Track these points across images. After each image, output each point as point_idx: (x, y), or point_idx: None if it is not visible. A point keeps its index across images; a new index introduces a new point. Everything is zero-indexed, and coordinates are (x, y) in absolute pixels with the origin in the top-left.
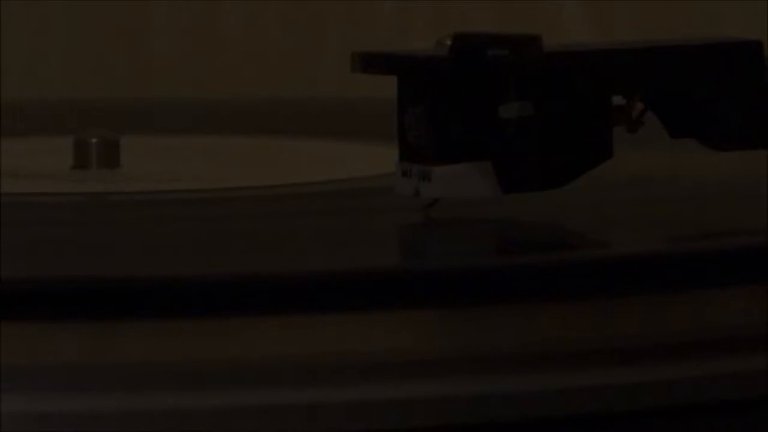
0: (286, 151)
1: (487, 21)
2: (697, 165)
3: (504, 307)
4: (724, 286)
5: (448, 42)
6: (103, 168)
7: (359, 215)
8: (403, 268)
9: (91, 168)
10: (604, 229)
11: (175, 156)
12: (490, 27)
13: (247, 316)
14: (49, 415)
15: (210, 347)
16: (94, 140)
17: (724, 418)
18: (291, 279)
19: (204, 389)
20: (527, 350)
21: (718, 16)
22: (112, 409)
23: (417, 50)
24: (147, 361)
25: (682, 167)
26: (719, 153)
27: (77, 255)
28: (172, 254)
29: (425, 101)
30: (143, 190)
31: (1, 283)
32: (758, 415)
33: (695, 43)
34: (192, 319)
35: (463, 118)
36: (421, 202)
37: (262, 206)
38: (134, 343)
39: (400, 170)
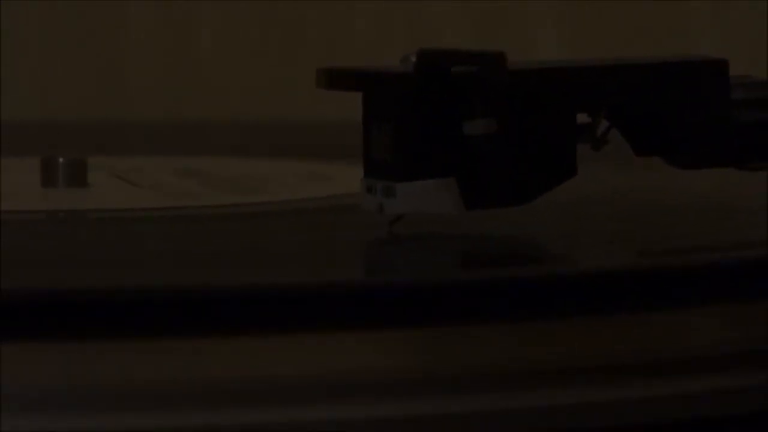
0: (253, 170)
1: (460, 37)
2: (663, 182)
3: (470, 325)
4: (701, 304)
5: (413, 58)
6: (70, 188)
7: (325, 232)
8: (367, 284)
9: (59, 187)
10: (572, 244)
11: (142, 176)
12: (462, 43)
13: (215, 334)
14: None
15: (179, 366)
16: (61, 160)
17: None
18: (251, 295)
19: (176, 409)
20: (494, 368)
21: (688, 33)
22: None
23: (382, 66)
24: (118, 379)
25: (646, 184)
26: (685, 170)
27: (49, 272)
28: (143, 271)
29: (390, 117)
30: (111, 208)
31: None
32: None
33: (661, 61)
34: (162, 338)
35: (428, 135)
36: (388, 217)
37: (229, 224)
38: (104, 361)
39: (365, 186)
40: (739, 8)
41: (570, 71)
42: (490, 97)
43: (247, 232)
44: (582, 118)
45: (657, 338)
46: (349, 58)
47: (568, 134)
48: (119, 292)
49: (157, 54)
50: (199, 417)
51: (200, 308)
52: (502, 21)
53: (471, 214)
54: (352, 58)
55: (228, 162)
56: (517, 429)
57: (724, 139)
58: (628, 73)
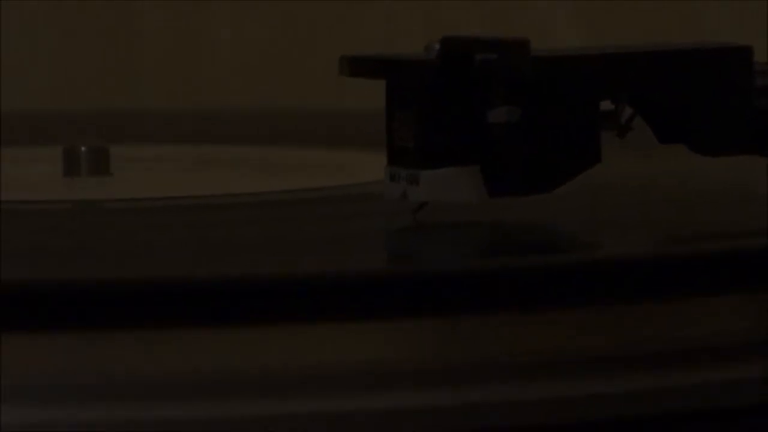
0: (275, 158)
1: (479, 25)
2: (687, 169)
3: (494, 313)
4: (716, 292)
5: (437, 46)
6: (93, 176)
7: (348, 221)
8: (391, 272)
9: (81, 176)
10: (596, 233)
11: (164, 164)
12: (482, 31)
13: (234, 324)
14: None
15: (202, 355)
16: (83, 149)
17: (716, 426)
18: (271, 284)
19: (195, 399)
20: (516, 357)
21: (710, 20)
22: (104, 419)
23: (405, 54)
24: (139, 369)
25: (671, 171)
26: (709, 158)
27: (71, 261)
28: (166, 260)
29: (413, 105)
30: (135, 197)
31: None
32: (751, 424)
33: (684, 48)
34: (188, 327)
35: (451, 123)
36: (411, 205)
37: (248, 213)
38: (126, 350)
39: (388, 174)
40: None
41: (594, 58)
42: (514, 84)
43: (269, 220)
44: (606, 105)
45: (672, 327)
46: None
47: (591, 121)
48: (141, 283)
49: (176, 43)
50: (221, 407)
51: (222, 298)
52: (521, 10)
53: (494, 202)
54: (367, 49)
55: (248, 150)
56: (531, 419)
57: (748, 126)
58: (651, 60)
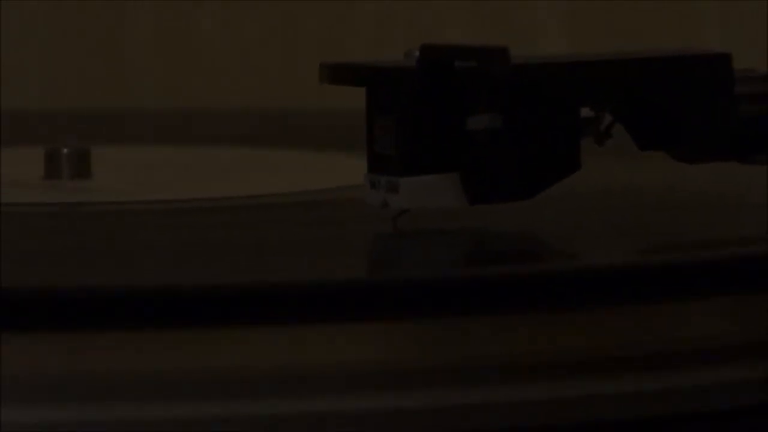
0: (259, 161)
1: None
2: (666, 176)
3: (474, 318)
4: (706, 296)
5: (417, 53)
6: (74, 179)
7: (330, 226)
8: (370, 279)
9: (63, 178)
10: (575, 239)
11: (146, 167)
12: (465, 38)
13: (219, 327)
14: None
15: (184, 358)
16: (65, 151)
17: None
18: (256, 290)
19: (181, 400)
20: (498, 361)
21: (692, 27)
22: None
23: (385, 61)
24: (117, 371)
25: (650, 178)
26: (689, 165)
27: (53, 265)
28: (146, 265)
29: (393, 113)
30: (116, 201)
31: None
32: (751, 424)
33: (664, 55)
34: (170, 330)
35: (431, 130)
36: (392, 212)
37: (231, 217)
38: (106, 353)
39: (369, 181)
40: (744, 2)
41: (573, 66)
42: (494, 91)
43: (250, 224)
44: (585, 112)
45: (659, 331)
46: (350, 53)
47: (571, 129)
48: (122, 287)
49: (159, 43)
50: (208, 408)
51: (199, 303)
52: (506, 16)
53: (474, 209)
54: (354, 53)
55: (231, 152)
56: (531, 419)
57: (728, 133)
58: (631, 67)
